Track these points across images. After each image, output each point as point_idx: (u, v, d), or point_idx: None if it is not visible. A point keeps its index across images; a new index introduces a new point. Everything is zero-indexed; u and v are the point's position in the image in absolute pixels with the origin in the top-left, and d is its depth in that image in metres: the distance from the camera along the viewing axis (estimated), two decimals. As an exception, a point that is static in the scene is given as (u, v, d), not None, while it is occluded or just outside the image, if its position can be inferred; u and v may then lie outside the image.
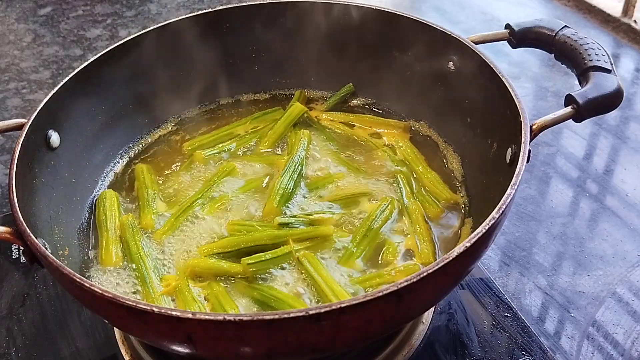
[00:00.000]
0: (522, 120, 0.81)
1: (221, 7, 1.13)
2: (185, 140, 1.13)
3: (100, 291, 0.64)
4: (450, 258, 0.65)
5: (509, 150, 0.86)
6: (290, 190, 0.98)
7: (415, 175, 1.04)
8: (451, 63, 1.03)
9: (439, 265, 0.64)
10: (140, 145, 1.13)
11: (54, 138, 0.93)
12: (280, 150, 1.11)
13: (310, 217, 0.92)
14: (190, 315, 0.60)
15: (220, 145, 1.10)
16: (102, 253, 0.92)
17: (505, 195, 0.72)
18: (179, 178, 1.05)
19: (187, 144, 1.12)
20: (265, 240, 0.89)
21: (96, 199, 1.01)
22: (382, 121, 1.15)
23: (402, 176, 1.02)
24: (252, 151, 1.11)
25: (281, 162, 1.05)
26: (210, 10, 1.12)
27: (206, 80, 1.18)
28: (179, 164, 1.09)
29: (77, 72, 0.98)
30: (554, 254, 1.08)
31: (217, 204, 0.98)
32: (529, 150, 0.78)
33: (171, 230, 0.94)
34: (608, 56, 0.90)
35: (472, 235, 0.67)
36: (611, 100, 0.85)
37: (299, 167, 1.02)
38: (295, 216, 0.93)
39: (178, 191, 1.03)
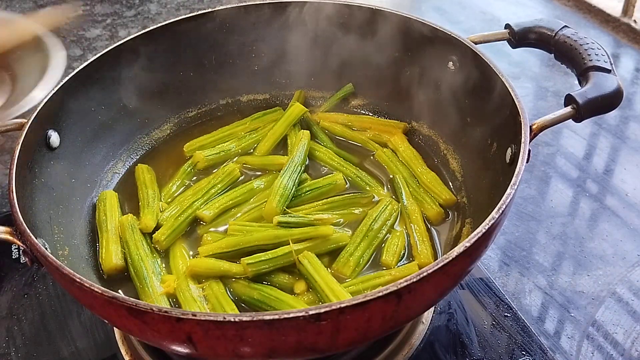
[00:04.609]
0: (522, 120, 0.81)
1: (221, 7, 1.13)
2: (185, 140, 1.13)
3: (100, 291, 0.64)
4: (450, 258, 0.65)
5: (509, 150, 0.86)
6: (290, 191, 0.98)
7: (414, 176, 1.04)
8: (451, 63, 1.03)
9: (439, 265, 0.64)
10: (140, 145, 1.12)
11: (54, 138, 0.93)
12: (280, 150, 1.11)
13: (310, 217, 0.92)
14: (190, 315, 0.60)
15: (220, 145, 1.10)
16: (102, 253, 0.92)
17: (505, 195, 0.72)
18: (179, 178, 1.05)
19: (188, 144, 1.12)
20: (265, 240, 0.89)
21: (96, 199, 1.01)
22: (381, 122, 1.15)
23: (401, 177, 1.02)
24: (252, 151, 1.11)
25: (281, 162, 1.05)
26: (210, 10, 1.12)
27: (206, 80, 1.18)
28: (179, 164, 1.09)
29: (77, 72, 0.98)
30: (554, 254, 1.08)
31: (217, 204, 0.98)
32: (529, 150, 0.78)
33: (171, 230, 0.94)
34: (608, 56, 0.90)
35: (472, 235, 0.67)
36: (611, 100, 0.85)
37: (299, 167, 1.02)
38: (295, 216, 0.92)
39: (178, 191, 1.03)
